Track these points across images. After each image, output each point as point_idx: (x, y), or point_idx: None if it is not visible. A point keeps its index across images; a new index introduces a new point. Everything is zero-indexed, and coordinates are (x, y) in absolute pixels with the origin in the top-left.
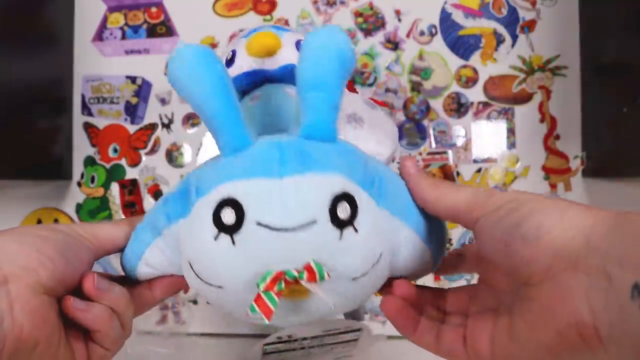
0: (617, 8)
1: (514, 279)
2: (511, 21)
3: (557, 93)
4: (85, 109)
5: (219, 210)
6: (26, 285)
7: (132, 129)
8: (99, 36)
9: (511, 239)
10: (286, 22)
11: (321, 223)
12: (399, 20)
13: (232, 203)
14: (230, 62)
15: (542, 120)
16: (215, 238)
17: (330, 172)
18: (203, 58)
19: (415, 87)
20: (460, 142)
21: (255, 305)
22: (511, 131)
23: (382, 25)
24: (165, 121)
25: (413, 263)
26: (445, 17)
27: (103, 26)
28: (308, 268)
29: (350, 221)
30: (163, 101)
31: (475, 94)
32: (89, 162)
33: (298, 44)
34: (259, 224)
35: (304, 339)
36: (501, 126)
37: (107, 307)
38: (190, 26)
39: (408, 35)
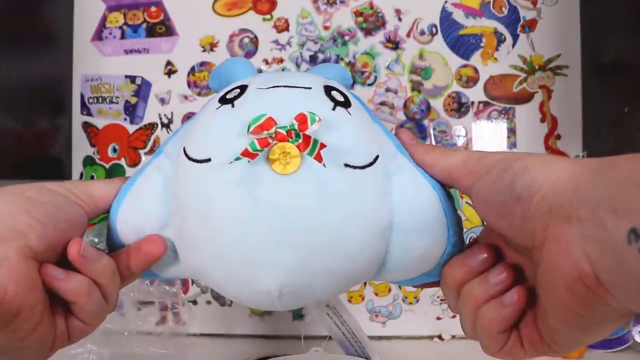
0: (617, 8)
1: (522, 242)
2: (512, 21)
3: (558, 93)
4: (85, 108)
5: (226, 93)
6: (15, 248)
7: (131, 128)
8: (98, 36)
9: (507, 200)
10: (286, 22)
11: (315, 90)
12: (399, 19)
13: (239, 87)
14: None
15: (542, 120)
16: (217, 108)
17: (328, 77)
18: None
19: (416, 87)
20: (460, 141)
21: (240, 156)
22: (512, 131)
23: (383, 24)
24: (165, 121)
25: (417, 197)
26: (445, 16)
27: (102, 26)
28: (300, 117)
29: (343, 104)
30: (163, 101)
31: (475, 94)
32: (88, 161)
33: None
34: (259, 88)
35: None
36: (502, 126)
37: (88, 279)
38: (190, 26)
39: (408, 35)
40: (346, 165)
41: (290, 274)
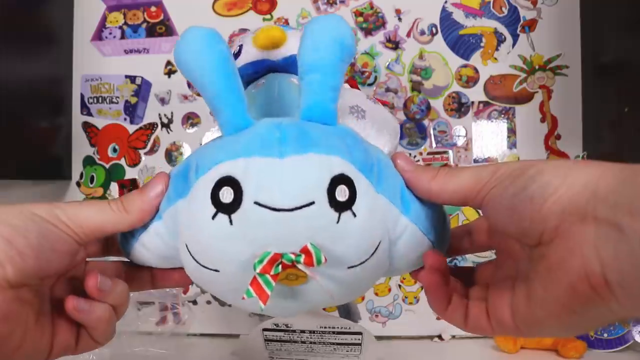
0: (617, 8)
1: (526, 242)
2: (512, 21)
3: (558, 93)
4: (85, 108)
5: (217, 189)
6: None
7: (131, 128)
8: (98, 35)
9: (519, 203)
10: (286, 22)
11: (319, 204)
12: (399, 19)
13: (230, 182)
14: (237, 55)
15: (543, 120)
16: (213, 217)
17: (330, 154)
18: (207, 38)
19: (416, 87)
20: (460, 141)
21: (251, 289)
22: (512, 131)
23: (383, 24)
24: (165, 121)
25: (413, 254)
26: (445, 16)
27: (102, 25)
28: (305, 251)
29: (348, 205)
30: (162, 101)
31: (475, 94)
32: (88, 161)
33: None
34: (257, 203)
35: (302, 331)
36: (502, 126)
37: (109, 307)
38: (190, 25)
39: (408, 35)
40: (349, 267)
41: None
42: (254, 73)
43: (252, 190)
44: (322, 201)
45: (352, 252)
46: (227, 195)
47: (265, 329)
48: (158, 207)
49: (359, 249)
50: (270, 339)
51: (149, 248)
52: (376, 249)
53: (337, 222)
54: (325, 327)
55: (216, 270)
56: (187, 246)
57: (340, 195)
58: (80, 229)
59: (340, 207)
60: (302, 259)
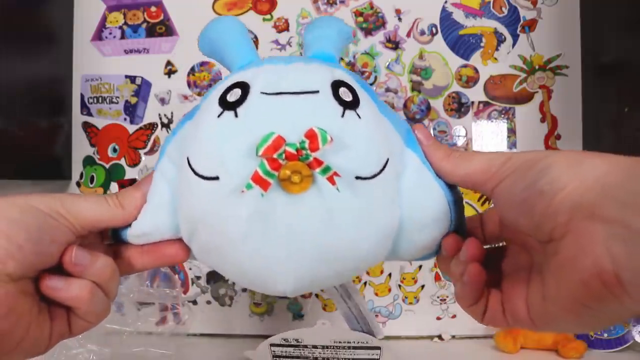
0: (617, 8)
1: (538, 237)
2: (512, 21)
3: (558, 93)
4: (85, 108)
5: (226, 93)
6: None
7: (131, 128)
8: (98, 35)
9: (529, 197)
10: (286, 22)
11: (324, 94)
12: (399, 19)
13: (239, 85)
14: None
15: (543, 120)
16: (219, 116)
17: (334, 66)
18: (233, 19)
19: (416, 87)
20: (460, 141)
21: (251, 182)
22: (512, 131)
23: (383, 24)
24: (165, 121)
25: (424, 200)
26: (445, 16)
27: (102, 25)
28: (311, 135)
29: (352, 106)
30: (162, 101)
31: (475, 94)
32: (88, 162)
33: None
34: (263, 92)
35: (315, 346)
36: (502, 126)
37: (88, 282)
38: (190, 26)
39: (408, 35)
40: (357, 177)
41: (304, 280)
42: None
43: (259, 85)
44: (327, 92)
45: (359, 157)
46: (234, 94)
47: (272, 344)
48: None
49: (365, 154)
50: (278, 355)
51: (153, 206)
52: (384, 165)
53: (342, 116)
54: (339, 342)
55: (216, 178)
56: (188, 160)
57: (344, 95)
58: (77, 221)
59: (345, 104)
60: (306, 144)
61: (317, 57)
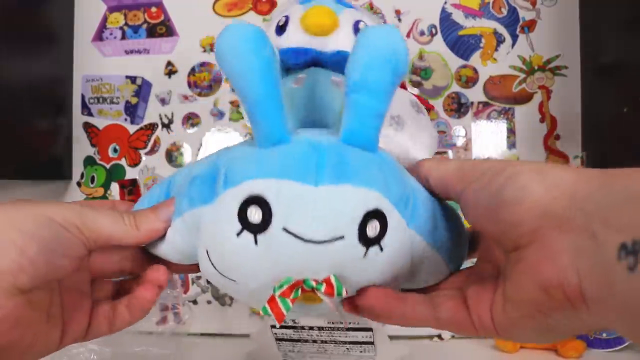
0: (617, 8)
1: (504, 244)
2: (511, 21)
3: (557, 93)
4: (85, 108)
5: (246, 206)
6: (2, 289)
7: (132, 129)
8: (99, 36)
9: (496, 204)
10: None
11: (349, 239)
12: (399, 20)
13: (260, 202)
14: (282, 29)
15: (542, 120)
16: (238, 234)
17: (367, 187)
18: (254, 40)
19: (415, 87)
20: (460, 142)
21: (267, 307)
22: (511, 131)
23: None
24: (165, 121)
25: (431, 277)
26: (445, 17)
27: (103, 26)
28: (327, 282)
29: (377, 240)
30: (163, 101)
31: (475, 94)
32: (89, 162)
33: (356, 26)
34: (286, 230)
35: (311, 327)
36: (501, 126)
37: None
38: (190, 26)
39: (408, 35)
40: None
41: None
42: (296, 63)
43: (281, 215)
44: (352, 236)
45: (373, 281)
46: (255, 215)
47: (272, 326)
48: (166, 230)
49: (382, 281)
50: (280, 337)
51: (166, 241)
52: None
53: (364, 256)
54: (333, 323)
55: (234, 281)
56: (207, 252)
57: (371, 230)
58: (91, 236)
59: (369, 242)
60: (322, 288)
61: (354, 142)
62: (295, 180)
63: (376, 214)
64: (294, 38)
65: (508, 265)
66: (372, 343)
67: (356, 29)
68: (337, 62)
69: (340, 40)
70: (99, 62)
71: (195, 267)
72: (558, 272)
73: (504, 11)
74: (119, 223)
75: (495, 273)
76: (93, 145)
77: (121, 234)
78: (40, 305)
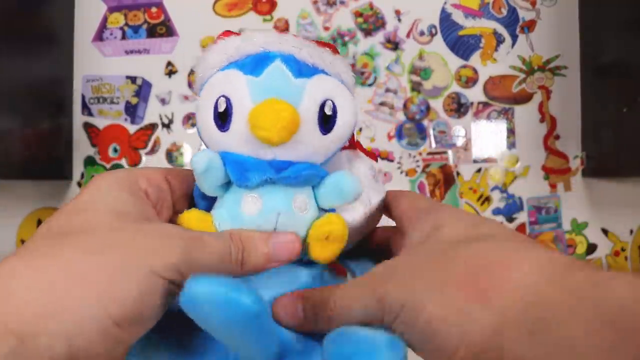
0: (617, 8)
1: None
2: (511, 21)
3: (557, 93)
4: (86, 109)
5: None
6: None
7: (132, 129)
8: (99, 36)
9: (425, 353)
10: (286, 22)
11: None
12: (399, 20)
13: None
14: (223, 120)
15: (542, 120)
16: None
17: None
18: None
19: (415, 87)
20: (460, 142)
21: None
22: (511, 131)
23: (382, 25)
24: (165, 121)
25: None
26: (445, 17)
27: (103, 26)
28: None
29: None
30: (163, 101)
31: (475, 94)
32: (89, 162)
33: (321, 114)
34: None
35: None
36: (501, 126)
37: None
38: (190, 26)
39: (408, 35)
40: None
41: None
42: (243, 174)
43: None
44: None
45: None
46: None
47: None
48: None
49: None
50: None
51: None
52: None
53: None
54: None
55: None
56: None
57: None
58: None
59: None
60: None
61: None
62: None
63: None
64: (241, 142)
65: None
66: None
67: (321, 118)
68: (296, 179)
69: (301, 146)
70: (99, 62)
71: None
72: None
73: (504, 11)
74: (225, 262)
75: None
76: (93, 145)
77: (222, 271)
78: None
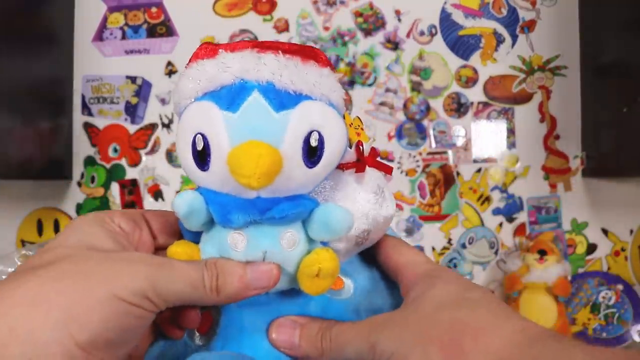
0: (617, 8)
1: None
2: (511, 21)
3: (557, 93)
4: (86, 108)
5: None
6: None
7: (132, 128)
8: (99, 36)
9: None
10: (286, 22)
11: None
12: (399, 20)
13: None
14: (202, 160)
15: (542, 120)
16: None
17: None
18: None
19: (415, 87)
20: (460, 142)
21: None
22: (511, 131)
23: (382, 25)
24: (165, 121)
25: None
26: (445, 17)
27: (103, 26)
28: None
29: None
30: (163, 101)
31: (475, 94)
32: (89, 162)
33: (306, 148)
34: None
35: None
36: (501, 126)
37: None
38: (190, 26)
39: (408, 35)
40: None
41: None
42: (225, 216)
43: None
44: None
45: None
46: None
47: None
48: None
49: None
50: None
51: None
52: None
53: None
54: None
55: None
56: None
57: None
58: (163, 303)
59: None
60: None
61: None
62: None
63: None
64: (222, 183)
65: None
66: None
67: (307, 152)
68: (282, 219)
69: (287, 181)
70: (99, 62)
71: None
72: None
73: (504, 11)
74: (198, 289)
75: None
76: (93, 145)
77: (197, 299)
78: None
